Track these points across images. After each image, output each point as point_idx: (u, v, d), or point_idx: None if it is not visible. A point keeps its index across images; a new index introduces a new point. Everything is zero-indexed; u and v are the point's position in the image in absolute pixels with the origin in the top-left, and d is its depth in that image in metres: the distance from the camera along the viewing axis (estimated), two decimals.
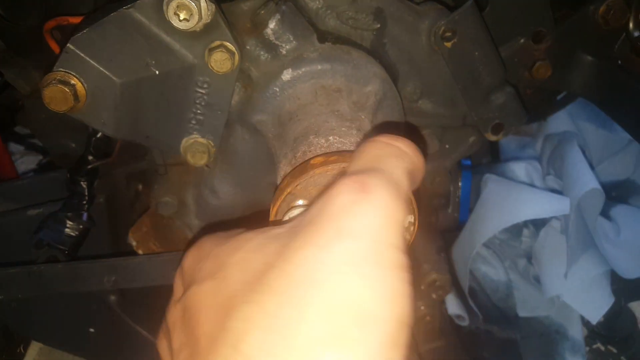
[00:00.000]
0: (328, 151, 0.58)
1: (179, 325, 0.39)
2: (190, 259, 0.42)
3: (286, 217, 0.48)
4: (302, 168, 0.51)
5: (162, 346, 0.42)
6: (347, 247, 0.31)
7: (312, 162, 0.51)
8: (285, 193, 0.50)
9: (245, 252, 0.36)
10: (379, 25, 0.70)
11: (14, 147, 1.47)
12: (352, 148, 0.58)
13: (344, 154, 0.51)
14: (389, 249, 0.31)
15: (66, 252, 0.79)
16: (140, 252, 0.85)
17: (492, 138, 0.82)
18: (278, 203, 0.50)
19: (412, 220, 0.48)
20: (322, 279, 0.30)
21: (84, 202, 0.81)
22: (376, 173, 0.35)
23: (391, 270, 0.31)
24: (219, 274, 0.36)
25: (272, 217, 0.51)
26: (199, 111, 0.66)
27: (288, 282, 0.31)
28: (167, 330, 0.41)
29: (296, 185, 0.49)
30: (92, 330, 0.87)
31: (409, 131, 0.78)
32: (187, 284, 0.40)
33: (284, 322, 0.29)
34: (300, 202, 0.49)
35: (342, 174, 0.39)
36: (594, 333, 1.16)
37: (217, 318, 0.33)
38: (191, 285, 0.39)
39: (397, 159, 0.37)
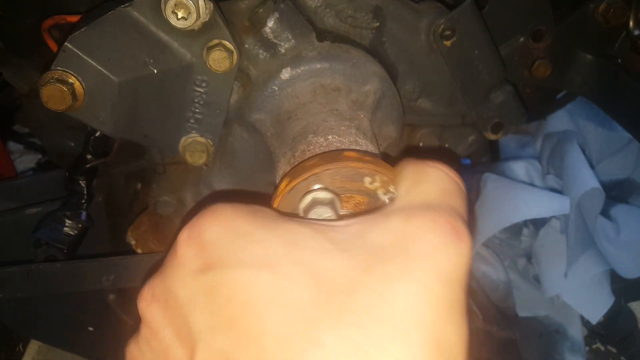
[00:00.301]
0: (327, 150, 0.57)
1: (205, 305, 0.34)
2: (218, 230, 0.36)
3: (306, 200, 0.45)
4: (335, 155, 0.50)
5: (153, 313, 0.38)
6: (442, 287, 0.32)
7: (345, 154, 0.50)
8: (310, 173, 0.47)
9: (309, 252, 0.34)
10: (378, 24, 0.70)
11: (13, 145, 1.47)
12: (351, 147, 0.57)
13: (378, 161, 0.49)
14: (464, 293, 0.34)
15: (65, 251, 0.78)
16: (139, 251, 0.84)
17: (492, 137, 0.82)
18: (299, 180, 0.48)
19: None
20: (419, 313, 0.31)
21: (83, 201, 0.81)
22: (460, 218, 0.36)
23: (465, 313, 0.33)
24: (281, 271, 0.33)
25: (282, 189, 0.49)
26: (197, 110, 0.66)
27: (386, 309, 0.31)
28: (172, 301, 0.36)
29: (325, 170, 0.47)
30: (90, 329, 0.87)
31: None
32: (216, 260, 0.35)
33: (381, 348, 0.30)
34: (317, 186, 0.47)
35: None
36: (593, 333, 1.16)
37: (292, 328, 0.31)
38: (231, 266, 0.34)
39: (461, 199, 0.39)
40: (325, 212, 0.44)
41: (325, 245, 0.34)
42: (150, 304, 0.38)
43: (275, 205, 0.50)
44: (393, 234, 0.34)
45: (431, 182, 0.39)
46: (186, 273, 0.36)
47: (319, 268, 0.33)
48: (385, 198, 0.48)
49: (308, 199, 0.45)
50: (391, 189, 0.47)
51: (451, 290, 0.32)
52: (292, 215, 0.41)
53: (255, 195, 0.75)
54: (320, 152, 0.57)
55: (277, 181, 0.60)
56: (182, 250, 0.37)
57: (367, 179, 0.47)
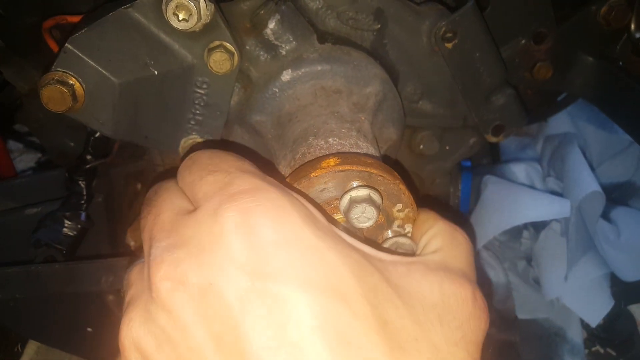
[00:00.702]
0: (329, 152, 0.57)
1: (263, 317, 0.30)
2: (280, 236, 0.32)
3: (360, 192, 0.45)
4: (389, 171, 0.49)
5: (183, 305, 0.32)
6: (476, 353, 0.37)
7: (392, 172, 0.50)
8: (365, 168, 0.47)
9: (373, 292, 0.33)
10: (379, 26, 0.70)
11: (12, 145, 1.47)
12: (352, 150, 0.57)
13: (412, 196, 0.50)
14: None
15: (64, 251, 0.78)
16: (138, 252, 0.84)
17: (493, 139, 0.82)
18: (352, 167, 0.47)
19: None
20: None
21: (82, 201, 0.81)
22: (478, 287, 0.40)
23: None
24: (351, 304, 0.31)
25: (329, 165, 0.48)
26: (198, 111, 0.66)
27: None
28: (218, 300, 0.31)
29: (365, 169, 0.47)
30: (89, 329, 0.87)
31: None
32: (281, 272, 0.31)
33: None
34: (356, 183, 0.47)
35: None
36: (593, 336, 1.16)
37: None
38: (299, 283, 0.31)
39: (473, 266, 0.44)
40: (366, 209, 0.44)
41: (385, 287, 0.35)
42: (177, 288, 0.32)
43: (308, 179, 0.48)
44: (443, 294, 0.37)
45: (463, 251, 0.43)
46: (237, 270, 0.31)
47: (387, 315, 0.33)
48: (397, 230, 0.49)
49: (346, 199, 0.45)
50: (407, 228, 0.49)
51: (478, 356, 0.37)
52: (342, 227, 0.45)
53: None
54: (320, 154, 0.57)
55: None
56: (232, 240, 0.32)
57: (399, 206, 0.48)
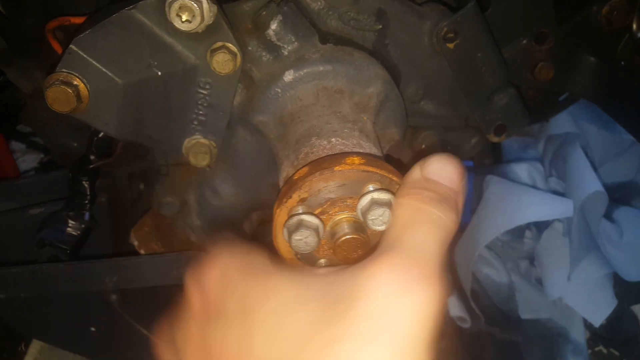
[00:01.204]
0: (331, 153, 0.57)
1: (198, 353, 0.38)
2: (215, 282, 0.40)
3: (364, 201, 0.46)
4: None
5: (165, 354, 0.42)
6: (387, 345, 0.32)
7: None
8: (374, 170, 0.48)
9: (276, 305, 0.36)
10: (381, 26, 0.70)
11: (16, 145, 1.47)
12: (354, 150, 0.57)
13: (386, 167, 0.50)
14: (420, 349, 0.33)
15: (68, 251, 0.79)
16: (141, 252, 0.85)
17: (495, 139, 0.82)
18: (371, 169, 0.48)
19: None
20: None
21: (86, 201, 0.81)
22: (417, 264, 0.34)
23: None
24: (247, 322, 0.36)
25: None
26: (201, 112, 0.66)
27: None
28: (179, 345, 0.41)
29: (387, 175, 0.48)
30: (93, 329, 0.87)
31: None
32: (211, 311, 0.39)
33: None
34: (374, 186, 0.47)
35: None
36: (596, 336, 1.15)
37: None
38: (218, 317, 0.38)
39: (432, 230, 0.38)
40: (385, 213, 0.44)
41: (295, 300, 0.36)
42: (160, 343, 0.43)
43: (275, 212, 0.50)
44: (348, 287, 0.35)
45: (397, 219, 0.40)
46: (190, 319, 0.41)
47: (280, 325, 0.35)
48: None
49: (367, 199, 0.46)
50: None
51: (396, 347, 0.32)
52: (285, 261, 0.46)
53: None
54: (323, 154, 0.57)
55: (281, 184, 0.60)
56: (190, 295, 0.42)
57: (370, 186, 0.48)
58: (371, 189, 0.47)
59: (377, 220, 0.45)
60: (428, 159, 0.42)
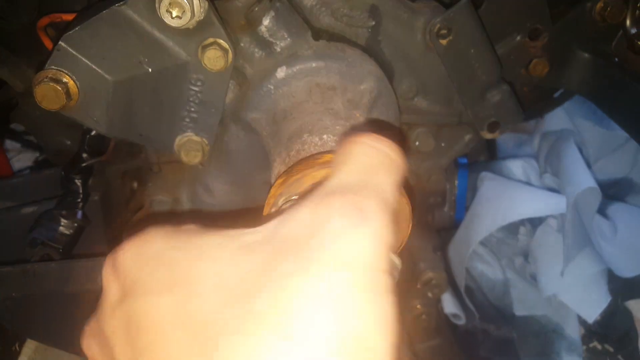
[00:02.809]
0: (322, 150, 0.57)
1: (123, 337, 0.34)
2: (131, 257, 0.36)
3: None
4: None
5: (92, 350, 0.38)
6: (343, 277, 0.29)
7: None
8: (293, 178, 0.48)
9: (215, 263, 0.32)
10: (374, 23, 0.70)
11: (9, 144, 1.47)
12: None
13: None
14: (381, 276, 0.30)
15: (60, 250, 0.78)
16: None
17: (488, 136, 0.82)
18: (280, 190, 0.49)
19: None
20: (318, 311, 0.28)
21: (79, 200, 0.80)
22: (371, 195, 0.33)
23: (384, 297, 0.30)
24: (184, 289, 0.32)
25: (265, 212, 0.50)
26: (192, 109, 0.66)
27: (282, 313, 0.28)
28: (103, 336, 0.36)
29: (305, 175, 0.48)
30: None
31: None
32: (128, 289, 0.35)
33: (282, 358, 0.28)
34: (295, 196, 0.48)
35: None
36: (590, 332, 1.16)
37: (193, 345, 0.30)
38: (139, 293, 0.34)
39: (387, 171, 0.36)
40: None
41: (233, 251, 0.33)
42: (87, 341, 0.39)
43: (265, 213, 0.50)
44: (299, 226, 0.32)
45: (352, 162, 0.36)
46: (108, 306, 0.36)
47: (222, 277, 0.31)
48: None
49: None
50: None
51: (358, 278, 0.29)
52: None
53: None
54: (315, 151, 0.57)
55: (272, 180, 0.60)
56: (105, 284, 0.37)
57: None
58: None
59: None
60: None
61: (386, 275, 0.31)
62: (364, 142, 0.37)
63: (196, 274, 0.32)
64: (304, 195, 0.47)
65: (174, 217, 0.79)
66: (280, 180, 0.50)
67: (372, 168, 0.35)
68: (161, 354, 0.31)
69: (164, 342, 0.31)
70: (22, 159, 1.47)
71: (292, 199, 0.48)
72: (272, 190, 0.50)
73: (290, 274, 0.29)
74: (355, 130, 0.42)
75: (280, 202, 0.49)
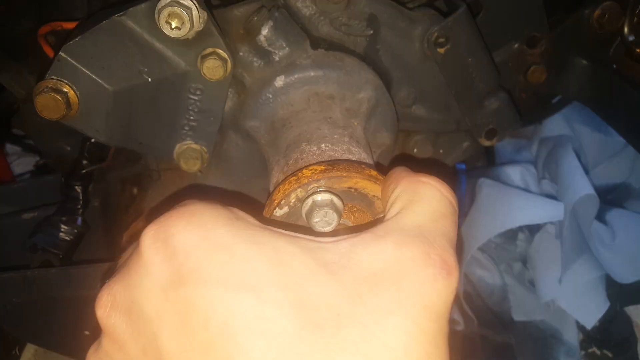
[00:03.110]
0: (321, 159, 0.57)
1: (177, 326, 0.31)
2: (192, 239, 0.33)
3: (308, 203, 0.46)
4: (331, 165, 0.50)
5: (117, 325, 0.34)
6: (433, 326, 0.31)
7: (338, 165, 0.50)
8: (307, 180, 0.47)
9: (296, 275, 0.32)
10: (372, 32, 0.70)
11: (10, 148, 1.47)
12: (343, 156, 0.57)
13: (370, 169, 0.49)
14: (448, 327, 0.33)
15: (60, 256, 0.78)
16: None
17: (486, 143, 0.83)
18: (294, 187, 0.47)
19: None
20: (413, 355, 0.30)
21: (79, 206, 0.81)
22: (452, 248, 0.35)
23: (447, 346, 0.33)
24: (263, 293, 0.30)
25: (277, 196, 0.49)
26: (192, 117, 0.66)
27: (379, 351, 0.29)
28: (138, 314, 0.33)
29: (325, 177, 0.47)
30: (87, 333, 0.87)
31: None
32: (190, 275, 0.31)
33: None
34: (320, 189, 0.47)
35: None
36: (589, 337, 1.16)
37: (276, 356, 0.29)
38: (209, 285, 0.31)
39: (454, 222, 0.37)
40: (330, 215, 0.43)
41: (313, 267, 0.32)
42: (110, 313, 0.34)
43: (268, 214, 0.50)
44: (384, 261, 0.33)
45: (425, 204, 0.37)
46: (154, 284, 0.32)
47: (306, 295, 0.31)
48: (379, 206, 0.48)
49: (309, 201, 0.45)
50: (378, 200, 0.48)
51: (438, 325, 0.32)
52: (276, 226, 0.37)
53: (244, 198, 0.75)
54: (313, 160, 0.57)
55: (271, 189, 0.60)
56: (149, 255, 0.33)
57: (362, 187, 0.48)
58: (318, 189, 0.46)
59: (322, 222, 0.44)
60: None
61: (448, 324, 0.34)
62: (434, 186, 0.39)
63: (278, 282, 0.31)
64: (359, 211, 0.47)
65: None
66: (321, 167, 0.49)
67: (443, 216, 0.37)
68: (234, 357, 0.29)
69: (239, 347, 0.29)
70: (22, 163, 1.48)
71: (321, 189, 0.47)
72: (309, 171, 0.49)
73: (385, 311, 0.30)
74: (406, 167, 0.42)
75: (312, 188, 0.47)
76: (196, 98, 0.65)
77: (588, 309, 1.09)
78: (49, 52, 0.72)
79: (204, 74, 0.61)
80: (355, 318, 0.30)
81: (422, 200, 0.38)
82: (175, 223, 0.34)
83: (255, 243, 0.33)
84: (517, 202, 1.07)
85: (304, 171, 0.50)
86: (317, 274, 0.32)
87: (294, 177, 0.50)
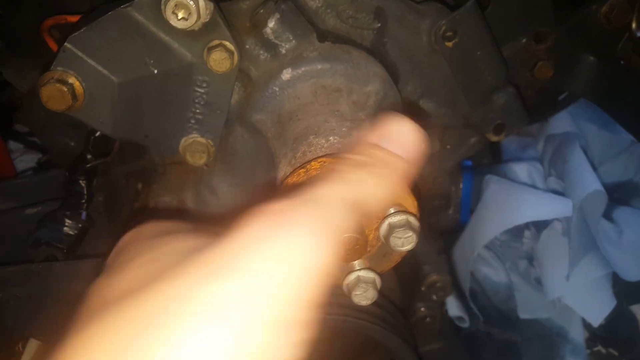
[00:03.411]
0: (329, 152, 0.57)
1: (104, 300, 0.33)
2: (121, 243, 0.41)
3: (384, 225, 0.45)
4: None
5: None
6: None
7: None
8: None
9: (156, 253, 0.35)
10: (379, 25, 0.70)
11: (13, 145, 1.47)
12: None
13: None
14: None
15: (65, 251, 0.78)
16: None
17: (494, 138, 0.82)
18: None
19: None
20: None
21: (83, 201, 0.80)
22: (301, 209, 0.32)
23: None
24: (117, 271, 0.34)
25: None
26: (198, 110, 0.66)
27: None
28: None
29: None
30: None
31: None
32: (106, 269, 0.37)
33: None
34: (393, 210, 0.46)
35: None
36: (595, 335, 1.15)
37: None
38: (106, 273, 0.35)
39: (337, 185, 0.35)
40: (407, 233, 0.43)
41: (181, 247, 0.34)
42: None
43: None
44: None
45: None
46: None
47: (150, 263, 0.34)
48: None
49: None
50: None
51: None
52: None
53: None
54: (321, 153, 0.56)
55: (279, 182, 0.60)
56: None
57: None
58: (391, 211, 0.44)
59: (402, 241, 0.43)
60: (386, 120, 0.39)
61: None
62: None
63: (130, 267, 0.34)
64: None
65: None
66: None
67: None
68: None
69: None
70: (25, 160, 1.47)
71: None
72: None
73: (191, 274, 0.30)
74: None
75: None
76: (202, 91, 0.64)
77: (595, 307, 1.08)
78: (53, 46, 0.72)
79: (211, 66, 0.61)
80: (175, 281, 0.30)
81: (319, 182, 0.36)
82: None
83: (150, 241, 0.37)
84: (525, 199, 1.06)
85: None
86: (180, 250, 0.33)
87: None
